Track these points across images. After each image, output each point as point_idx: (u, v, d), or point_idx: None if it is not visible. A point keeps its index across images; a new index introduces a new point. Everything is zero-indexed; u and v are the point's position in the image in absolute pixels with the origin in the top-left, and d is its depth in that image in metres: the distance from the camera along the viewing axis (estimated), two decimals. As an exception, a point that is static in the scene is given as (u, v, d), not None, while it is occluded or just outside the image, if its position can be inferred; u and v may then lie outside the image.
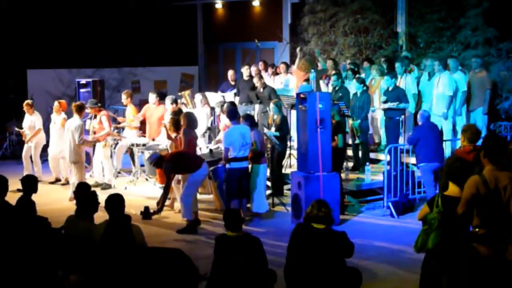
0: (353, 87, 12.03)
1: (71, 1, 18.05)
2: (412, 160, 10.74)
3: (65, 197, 10.83)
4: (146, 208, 10.22)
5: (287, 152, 11.58)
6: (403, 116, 11.45)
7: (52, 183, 12.50)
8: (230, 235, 6.03)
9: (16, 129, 13.12)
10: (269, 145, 10.78)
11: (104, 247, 6.12)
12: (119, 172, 12.99)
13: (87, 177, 12.20)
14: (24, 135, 12.81)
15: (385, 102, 11.41)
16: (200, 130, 11.96)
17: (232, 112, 9.86)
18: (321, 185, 9.29)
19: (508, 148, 5.70)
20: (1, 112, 16.36)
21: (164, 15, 19.65)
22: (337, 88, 11.96)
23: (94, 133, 11.98)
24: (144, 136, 12.83)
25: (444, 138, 11.09)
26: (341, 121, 10.54)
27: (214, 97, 13.40)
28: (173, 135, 10.07)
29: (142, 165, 12.90)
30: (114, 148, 12.74)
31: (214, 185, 10.38)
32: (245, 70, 13.79)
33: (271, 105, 11.11)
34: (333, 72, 12.42)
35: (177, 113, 10.48)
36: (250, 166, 9.96)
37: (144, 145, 12.23)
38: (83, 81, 14.52)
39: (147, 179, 12.60)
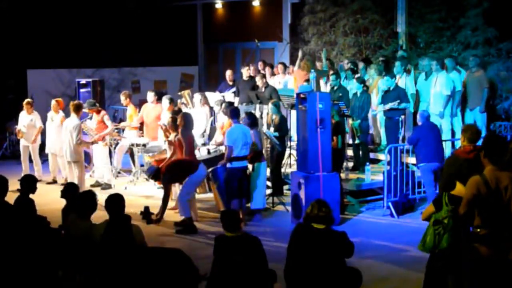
0: (353, 86, 12.04)
1: (71, 1, 18.05)
2: (412, 160, 10.74)
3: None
4: (146, 208, 10.25)
5: (287, 152, 11.60)
6: (403, 116, 11.46)
7: (49, 183, 12.49)
8: (229, 236, 6.04)
9: (15, 127, 13.09)
10: (268, 145, 10.78)
11: (104, 247, 6.12)
12: (119, 172, 12.99)
13: (87, 177, 12.21)
14: (21, 133, 12.75)
15: (381, 103, 11.43)
16: (199, 130, 11.98)
17: (234, 111, 9.87)
18: (321, 185, 9.29)
19: (509, 148, 5.70)
20: (1, 112, 16.36)
21: (164, 15, 19.64)
22: (335, 87, 11.97)
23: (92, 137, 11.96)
24: (143, 135, 12.83)
25: (443, 138, 11.09)
26: (340, 121, 10.54)
27: (214, 97, 13.40)
28: (172, 135, 10.07)
29: (142, 165, 12.91)
30: (114, 148, 12.75)
31: (214, 186, 10.38)
32: (245, 70, 13.79)
33: (270, 105, 11.12)
34: (331, 72, 12.44)
35: (176, 113, 10.49)
36: (250, 166, 9.97)
37: (144, 145, 12.22)
38: (83, 81, 14.52)
39: (147, 179, 12.57)
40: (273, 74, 14.47)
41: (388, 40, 15.05)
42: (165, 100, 12.26)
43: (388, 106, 11.29)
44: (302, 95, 9.58)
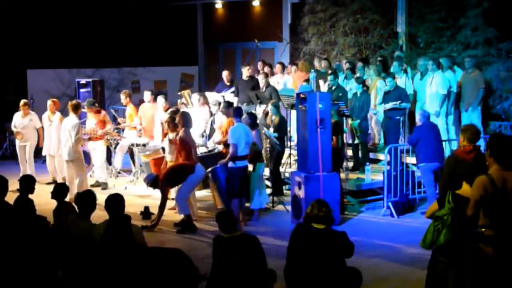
0: (353, 86, 12.04)
1: (71, 1, 18.05)
2: (412, 160, 10.74)
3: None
4: (146, 208, 10.26)
5: (287, 152, 11.60)
6: (403, 116, 11.46)
7: (49, 183, 12.48)
8: (227, 236, 6.04)
9: (13, 128, 13.07)
10: (267, 145, 10.78)
11: (104, 247, 6.12)
12: (119, 172, 12.99)
13: (87, 177, 12.19)
14: (20, 135, 12.72)
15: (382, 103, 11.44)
16: (198, 130, 11.97)
17: (237, 111, 9.86)
18: (321, 185, 9.29)
19: None
20: (1, 113, 16.35)
21: (164, 15, 19.65)
22: (333, 87, 11.98)
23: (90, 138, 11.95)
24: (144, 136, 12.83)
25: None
26: (339, 121, 10.54)
27: (214, 97, 13.39)
28: (171, 135, 10.08)
29: (142, 165, 12.90)
30: (114, 148, 12.74)
31: (212, 184, 10.38)
32: (245, 70, 13.78)
33: (269, 106, 11.12)
34: (329, 72, 12.46)
35: (175, 113, 10.49)
36: (251, 165, 9.98)
37: (144, 145, 12.23)
38: (83, 81, 14.52)
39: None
40: (272, 74, 14.46)
41: (388, 40, 15.05)
42: (161, 99, 12.27)
43: (389, 105, 11.29)
44: (302, 95, 9.58)
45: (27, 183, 7.24)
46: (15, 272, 6.23)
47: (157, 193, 11.60)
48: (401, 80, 12.06)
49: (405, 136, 11.54)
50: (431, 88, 11.54)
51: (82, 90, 14.29)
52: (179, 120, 9.68)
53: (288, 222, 9.60)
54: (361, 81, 11.80)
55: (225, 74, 14.26)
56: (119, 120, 13.58)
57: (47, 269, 6.35)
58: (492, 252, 5.42)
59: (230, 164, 9.47)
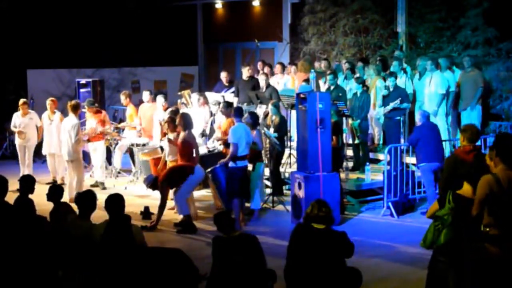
0: (352, 86, 12.04)
1: (71, 1, 18.05)
2: (412, 160, 10.73)
3: (64, 197, 10.80)
4: (146, 208, 10.26)
5: (287, 152, 11.60)
6: (403, 116, 11.45)
7: (49, 183, 12.46)
8: (226, 236, 6.05)
9: (13, 128, 13.07)
10: (267, 145, 10.78)
11: (104, 247, 6.12)
12: (119, 172, 12.99)
13: (87, 177, 12.21)
14: (23, 134, 12.72)
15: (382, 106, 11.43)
16: (197, 130, 11.97)
17: (238, 110, 9.86)
18: (321, 185, 9.29)
19: None
20: (1, 113, 16.35)
21: (164, 15, 19.64)
22: (332, 87, 11.99)
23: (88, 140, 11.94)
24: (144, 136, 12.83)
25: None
26: (339, 121, 10.54)
27: (214, 97, 13.38)
28: (171, 135, 10.08)
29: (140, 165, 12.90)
30: (114, 148, 12.74)
31: (212, 184, 10.38)
32: (245, 70, 13.77)
33: (269, 105, 11.12)
34: (328, 71, 12.46)
35: (175, 113, 10.49)
36: (251, 165, 9.97)
37: (144, 145, 12.23)
38: (83, 81, 14.52)
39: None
40: (272, 74, 14.46)
41: (388, 40, 15.05)
42: (160, 98, 12.27)
43: (390, 107, 11.26)
44: (302, 95, 9.58)
45: (27, 183, 7.24)
46: (15, 272, 6.23)
47: (157, 193, 11.61)
48: (401, 80, 12.06)
49: (405, 136, 11.54)
50: (430, 88, 11.54)
51: (82, 90, 14.28)
52: (179, 122, 9.68)
53: (288, 222, 9.60)
54: (361, 81, 11.80)
55: (223, 75, 14.24)
56: (120, 125, 13.53)
57: (47, 269, 6.35)
58: (497, 251, 5.42)
59: (230, 164, 9.47)
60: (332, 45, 15.63)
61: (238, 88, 13.54)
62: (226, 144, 9.81)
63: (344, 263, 6.05)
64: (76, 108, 11.14)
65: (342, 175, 10.54)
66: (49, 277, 6.38)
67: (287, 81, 13.91)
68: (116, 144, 12.72)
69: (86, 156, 12.86)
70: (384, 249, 8.59)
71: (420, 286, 6.22)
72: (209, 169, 10.05)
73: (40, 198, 7.56)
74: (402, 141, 11.34)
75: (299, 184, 9.44)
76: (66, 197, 10.76)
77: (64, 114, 12.15)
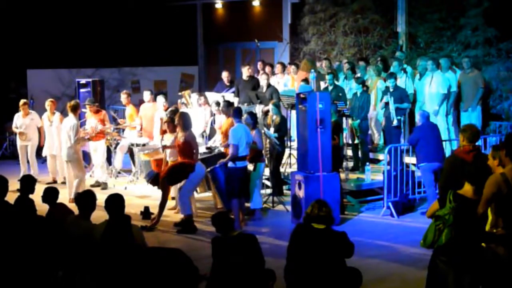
0: (353, 86, 12.04)
1: (71, 1, 18.05)
2: (412, 160, 10.73)
3: (65, 197, 10.82)
4: (146, 208, 10.26)
5: (287, 152, 11.60)
6: (403, 116, 11.44)
7: (49, 183, 12.46)
8: (224, 237, 6.05)
9: (14, 129, 13.08)
10: (267, 145, 10.79)
11: (104, 247, 6.11)
12: (119, 172, 12.99)
13: (87, 177, 12.20)
14: (24, 135, 12.73)
15: (386, 103, 11.41)
16: (197, 130, 11.97)
17: (237, 111, 9.86)
18: (321, 185, 9.29)
19: None
20: (1, 112, 16.35)
21: (164, 15, 19.64)
22: (331, 87, 11.98)
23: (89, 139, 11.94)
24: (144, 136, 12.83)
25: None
26: (339, 120, 10.55)
27: (214, 97, 13.38)
28: (167, 141, 10.08)
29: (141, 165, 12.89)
30: (115, 148, 12.74)
31: (213, 185, 10.38)
32: (245, 70, 13.77)
33: (270, 105, 11.12)
34: (328, 71, 12.46)
35: (174, 113, 10.49)
36: (251, 165, 9.97)
37: (144, 145, 12.23)
38: (83, 81, 14.52)
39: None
40: (273, 73, 14.45)
41: (388, 40, 15.05)
42: (161, 98, 12.27)
43: (391, 107, 11.25)
44: (302, 95, 9.58)
45: (28, 183, 7.24)
46: (15, 272, 6.23)
47: (157, 193, 11.61)
48: (401, 80, 12.04)
49: (405, 136, 11.53)
50: (431, 88, 11.53)
51: (82, 90, 14.28)
52: (178, 122, 9.67)
53: (288, 222, 9.60)
54: (361, 81, 11.79)
55: (225, 75, 14.24)
56: (119, 121, 13.55)
57: (47, 269, 6.35)
58: (504, 252, 5.42)
59: (230, 164, 9.47)
60: (332, 45, 15.62)
61: (238, 88, 13.55)
62: (227, 144, 9.80)
63: (344, 263, 6.05)
64: (75, 109, 11.13)
65: (342, 175, 10.54)
66: (49, 277, 6.37)
67: (287, 80, 13.91)
68: (117, 144, 12.72)
69: (86, 156, 12.86)
70: (384, 249, 8.59)
71: (420, 286, 6.22)
72: (209, 169, 10.05)
73: (40, 198, 7.55)
74: (402, 141, 11.33)
75: (299, 184, 9.44)
76: (66, 198, 10.82)
77: (64, 114, 12.16)
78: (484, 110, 11.94)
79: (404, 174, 10.27)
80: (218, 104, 11.69)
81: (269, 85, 12.84)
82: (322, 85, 12.89)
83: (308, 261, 5.90)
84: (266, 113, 11.97)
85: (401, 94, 11.32)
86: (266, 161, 10.72)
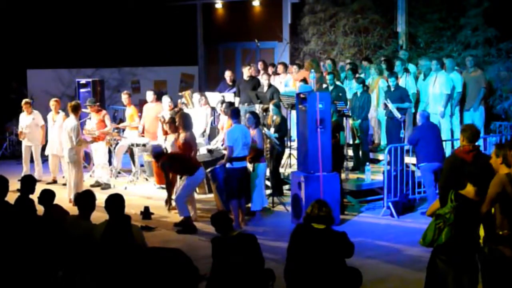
0: (353, 86, 12.03)
1: (71, 1, 18.05)
2: (412, 160, 10.73)
3: (65, 197, 10.83)
4: (146, 208, 10.25)
5: (287, 152, 11.59)
6: (405, 116, 11.43)
7: (49, 183, 12.47)
8: (224, 237, 6.05)
9: (20, 129, 13.10)
10: (267, 145, 10.79)
11: (104, 247, 6.11)
12: (119, 172, 12.98)
13: (87, 177, 12.20)
14: (23, 134, 12.75)
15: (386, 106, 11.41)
16: (199, 130, 11.98)
17: (234, 112, 9.87)
18: (321, 185, 9.29)
19: None
20: (1, 113, 16.36)
21: (164, 15, 19.64)
22: (331, 87, 11.98)
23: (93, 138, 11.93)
24: (144, 136, 12.82)
25: (442, 138, 11.08)
26: (339, 120, 10.54)
27: (214, 97, 13.40)
28: (171, 136, 10.08)
29: (142, 165, 12.91)
30: (114, 148, 12.75)
31: (213, 185, 10.38)
32: (246, 70, 13.77)
33: (270, 105, 11.12)
34: (329, 71, 12.45)
35: (176, 114, 10.50)
36: (251, 165, 9.97)
37: (144, 145, 12.23)
38: (83, 81, 14.52)
39: (147, 179, 12.61)
40: (276, 73, 14.44)
41: (388, 40, 15.05)
42: (166, 98, 12.27)
43: (393, 106, 11.23)
44: (302, 95, 9.58)
45: (28, 183, 7.24)
46: (15, 272, 6.23)
47: (156, 193, 11.64)
48: (402, 80, 12.01)
49: (406, 136, 11.51)
50: (434, 88, 11.47)
51: (82, 90, 14.28)
52: (179, 122, 9.68)
53: (288, 222, 9.60)
54: (361, 81, 11.79)
55: (228, 74, 14.25)
56: (119, 126, 13.51)
57: (47, 269, 6.34)
58: (510, 253, 5.43)
59: (228, 164, 9.49)
60: (332, 45, 15.62)
61: (239, 88, 13.55)
62: (227, 145, 9.82)
63: (344, 263, 6.04)
64: (76, 109, 11.12)
65: (342, 175, 10.54)
66: (49, 277, 6.37)
67: (288, 80, 13.91)
68: (117, 144, 12.72)
69: (86, 156, 12.86)
70: (384, 249, 8.59)
71: (420, 286, 6.22)
72: (209, 169, 10.05)
73: (40, 198, 7.55)
74: (404, 140, 11.31)
75: (299, 184, 9.44)
76: (66, 198, 10.83)
77: (67, 114, 12.18)
78: (486, 110, 11.91)
79: (404, 174, 10.27)
80: (223, 103, 11.68)
81: (270, 85, 12.84)
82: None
83: (308, 261, 5.90)
84: (265, 110, 11.97)
85: (401, 94, 11.30)
86: (266, 162, 10.71)
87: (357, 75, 12.42)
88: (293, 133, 11.86)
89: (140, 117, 13.04)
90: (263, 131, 10.50)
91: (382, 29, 15.05)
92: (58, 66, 17.77)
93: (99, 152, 12.16)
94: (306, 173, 9.43)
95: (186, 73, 20.18)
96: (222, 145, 10.97)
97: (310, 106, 9.29)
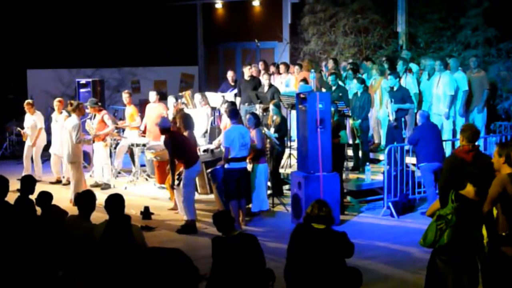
0: (353, 87, 12.02)
1: (71, 1, 18.06)
2: (412, 160, 10.72)
3: (66, 197, 10.82)
4: (146, 208, 10.25)
5: (287, 152, 11.59)
6: (406, 116, 11.42)
7: (52, 183, 12.47)
8: (225, 236, 6.05)
9: (18, 129, 13.10)
10: (267, 145, 10.78)
11: (104, 247, 6.11)
12: (119, 172, 12.98)
13: (87, 177, 12.20)
14: (25, 135, 12.78)
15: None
16: (200, 131, 11.97)
17: (233, 112, 9.86)
18: (321, 185, 9.29)
19: None
20: (1, 112, 16.36)
21: (164, 15, 19.65)
22: (334, 88, 11.97)
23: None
24: (144, 136, 12.81)
25: (444, 138, 11.08)
26: (340, 119, 10.55)
27: (214, 97, 13.40)
28: None
29: (142, 165, 12.90)
30: (115, 148, 12.74)
31: (214, 186, 10.38)
32: (247, 70, 13.77)
33: (271, 105, 11.12)
34: (331, 72, 12.44)
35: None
36: (250, 166, 9.97)
37: (144, 145, 12.23)
38: (83, 81, 14.52)
39: (147, 179, 12.60)
40: (278, 73, 14.44)
41: (388, 40, 15.05)
42: (171, 99, 12.27)
43: (391, 107, 11.22)
44: (302, 95, 9.57)
45: (28, 183, 7.23)
46: (15, 272, 6.22)
47: (157, 194, 11.63)
48: (404, 80, 11.98)
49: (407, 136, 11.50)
50: (438, 88, 11.42)
51: (82, 90, 14.28)
52: (179, 123, 9.68)
53: (288, 222, 9.60)
54: (362, 81, 11.78)
55: (230, 74, 14.25)
56: (118, 123, 13.50)
57: (47, 269, 6.34)
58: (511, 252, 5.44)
59: (226, 165, 9.48)
60: (332, 45, 15.63)
61: (240, 88, 13.56)
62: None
63: (344, 263, 6.04)
64: (77, 109, 11.12)
65: (343, 175, 10.53)
66: (49, 277, 6.37)
67: (289, 80, 13.91)
68: (117, 144, 12.72)
69: (86, 156, 12.86)
70: (384, 249, 8.59)
71: (419, 286, 6.22)
72: (209, 170, 10.05)
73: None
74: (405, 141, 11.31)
75: (299, 184, 9.44)
76: (67, 198, 10.82)
77: (68, 114, 12.18)
78: (488, 111, 11.89)
79: (404, 174, 10.27)
80: (226, 103, 11.68)
81: (270, 85, 12.84)
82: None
83: (308, 261, 5.90)
84: (265, 110, 11.97)
85: (403, 95, 11.27)
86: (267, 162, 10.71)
87: (357, 75, 12.40)
88: (293, 133, 11.85)
89: (140, 117, 13.04)
90: (263, 131, 10.50)
91: (382, 29, 15.06)
92: (58, 66, 17.79)
93: (99, 152, 12.15)
94: (306, 173, 9.43)
95: (186, 73, 20.19)
96: (216, 147, 10.90)
97: (310, 106, 9.29)
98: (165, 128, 9.46)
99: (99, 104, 12.43)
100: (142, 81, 19.08)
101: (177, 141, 9.36)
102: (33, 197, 7.20)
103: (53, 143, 12.57)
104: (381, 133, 12.42)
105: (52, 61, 17.73)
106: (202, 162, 10.11)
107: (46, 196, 7.00)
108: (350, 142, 11.99)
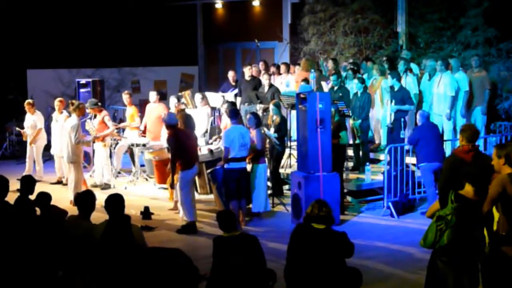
0: (353, 87, 12.01)
1: (71, 1, 18.06)
2: (413, 160, 10.72)
3: (66, 197, 10.82)
4: (146, 208, 10.25)
5: (287, 152, 11.59)
6: (406, 117, 11.41)
7: (54, 183, 12.47)
8: (227, 236, 6.05)
9: (17, 129, 13.10)
10: (267, 145, 10.78)
11: (104, 247, 6.11)
12: (119, 172, 12.98)
13: (87, 177, 12.20)
14: (25, 135, 12.80)
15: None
16: (200, 130, 11.97)
17: (233, 112, 9.86)
18: (321, 185, 9.29)
19: None
20: (1, 112, 16.35)
21: (164, 15, 19.65)
22: (336, 88, 11.96)
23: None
24: (144, 136, 12.81)
25: (445, 138, 11.07)
26: (341, 120, 10.54)
27: (214, 97, 13.40)
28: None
29: (142, 165, 12.90)
30: (114, 148, 12.74)
31: (213, 186, 10.38)
32: (247, 70, 13.77)
33: (271, 105, 11.12)
34: (333, 72, 12.43)
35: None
36: (250, 166, 9.96)
37: (144, 145, 12.22)
38: (83, 81, 14.51)
39: (147, 179, 12.60)
40: (278, 73, 14.44)
41: (388, 40, 15.05)
42: (173, 99, 12.27)
43: (392, 108, 11.20)
44: (302, 95, 9.57)
45: (28, 183, 7.23)
46: (15, 272, 6.22)
47: (157, 194, 11.63)
48: (404, 80, 11.97)
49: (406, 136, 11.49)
50: (439, 89, 11.40)
51: (82, 90, 14.27)
52: (180, 123, 9.68)
53: (288, 222, 9.60)
54: (362, 81, 11.77)
55: (231, 74, 14.25)
56: (120, 125, 13.49)
57: (47, 269, 6.34)
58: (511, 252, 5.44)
59: (226, 165, 9.48)
60: (332, 45, 15.63)
61: (240, 88, 13.56)
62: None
63: (344, 263, 6.04)
64: (77, 109, 11.12)
65: (343, 175, 10.52)
66: (49, 277, 6.37)
67: (289, 80, 13.91)
68: (116, 144, 12.72)
69: (86, 156, 12.86)
70: (384, 249, 8.58)
71: (420, 287, 6.22)
72: (209, 170, 10.05)
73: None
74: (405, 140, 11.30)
75: (299, 184, 9.44)
76: (67, 198, 10.82)
77: (69, 114, 12.19)
78: (488, 112, 11.88)
79: (404, 174, 10.27)
80: (226, 103, 11.68)
81: (271, 85, 12.84)
82: (324, 85, 12.87)
83: (308, 261, 5.90)
84: (265, 110, 11.97)
85: (403, 96, 11.25)
86: (266, 162, 10.71)
87: (357, 75, 12.40)
88: (293, 133, 11.85)
89: (140, 117, 13.04)
90: (263, 131, 10.50)
91: (382, 29, 15.06)
92: (58, 66, 17.78)
93: (99, 152, 12.15)
94: (306, 173, 9.43)
95: (186, 73, 20.19)
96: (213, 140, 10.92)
97: (310, 106, 9.29)
98: (171, 124, 9.44)
99: (99, 104, 12.43)
100: (142, 81, 19.07)
101: (180, 139, 9.35)
102: (33, 196, 7.21)
103: (53, 144, 12.56)
104: (381, 133, 12.42)
105: (52, 61, 17.73)
106: (202, 162, 10.12)
107: (44, 197, 7.00)
108: (351, 142, 11.99)
